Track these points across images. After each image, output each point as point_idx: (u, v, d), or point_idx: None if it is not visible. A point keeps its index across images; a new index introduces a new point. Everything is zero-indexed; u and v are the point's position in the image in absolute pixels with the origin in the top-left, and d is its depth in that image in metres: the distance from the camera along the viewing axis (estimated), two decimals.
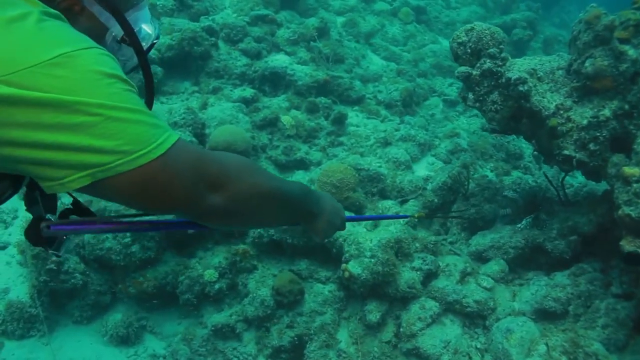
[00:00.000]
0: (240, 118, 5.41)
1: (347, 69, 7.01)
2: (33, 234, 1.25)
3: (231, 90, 5.95)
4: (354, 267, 4.23)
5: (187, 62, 6.14)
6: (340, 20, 8.34)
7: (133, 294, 4.78)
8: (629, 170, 3.65)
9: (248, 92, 5.91)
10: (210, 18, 6.71)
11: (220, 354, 4.59)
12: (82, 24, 1.27)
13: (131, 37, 1.33)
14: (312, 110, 5.95)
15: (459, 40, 4.24)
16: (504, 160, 6.28)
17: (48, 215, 1.28)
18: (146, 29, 1.46)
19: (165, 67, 5.99)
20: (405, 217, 4.28)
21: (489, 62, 4.12)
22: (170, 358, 4.60)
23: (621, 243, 3.59)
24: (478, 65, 4.17)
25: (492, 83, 4.17)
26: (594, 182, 4.60)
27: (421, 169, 5.67)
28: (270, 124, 5.63)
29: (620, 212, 3.61)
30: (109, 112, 1.00)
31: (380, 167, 5.37)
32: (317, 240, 1.83)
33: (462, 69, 4.22)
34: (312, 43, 6.78)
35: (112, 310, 4.94)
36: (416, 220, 4.81)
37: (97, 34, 1.30)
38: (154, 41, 1.51)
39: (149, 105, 1.46)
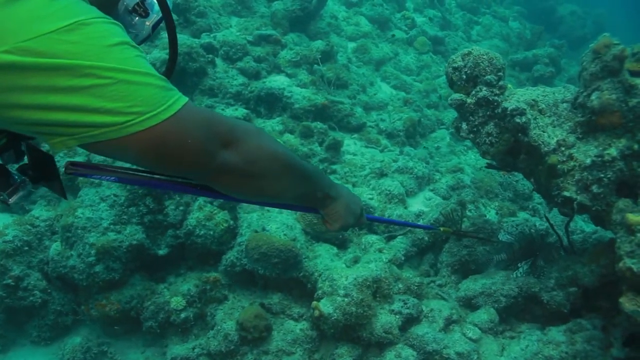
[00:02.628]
0: None
1: (351, 95, 6.69)
2: None
3: (222, 110, 5.67)
4: (325, 306, 3.85)
5: (182, 79, 5.90)
6: (351, 45, 8.08)
7: (95, 317, 4.47)
8: (633, 217, 3.23)
9: (240, 112, 5.63)
10: (211, 35, 6.49)
11: None
12: None
13: None
14: (306, 135, 5.63)
15: (455, 65, 3.90)
16: (511, 200, 5.87)
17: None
18: None
19: None
20: (431, 228, 3.93)
21: (485, 90, 3.75)
22: None
23: (620, 300, 3.17)
24: (473, 93, 3.81)
25: (488, 113, 3.80)
26: (603, 229, 4.17)
27: (416, 204, 5.28)
28: None
29: (621, 264, 3.19)
30: (120, 75, 1.03)
31: (371, 199, 5.01)
32: (336, 227, 1.80)
33: (456, 96, 3.86)
34: (315, 66, 6.50)
35: (74, 333, 4.65)
36: (441, 233, 4.37)
37: (109, 5, 1.36)
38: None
39: (172, 64, 1.52)
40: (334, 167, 5.51)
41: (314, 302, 3.90)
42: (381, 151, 6.03)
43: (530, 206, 5.89)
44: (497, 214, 5.46)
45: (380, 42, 8.50)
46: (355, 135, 6.21)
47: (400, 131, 6.32)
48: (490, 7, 11.90)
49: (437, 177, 5.80)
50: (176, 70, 5.30)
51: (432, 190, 5.53)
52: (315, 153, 5.55)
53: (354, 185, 5.24)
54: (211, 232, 4.49)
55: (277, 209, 4.90)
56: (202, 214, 4.54)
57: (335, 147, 5.55)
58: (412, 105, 7.00)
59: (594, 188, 3.51)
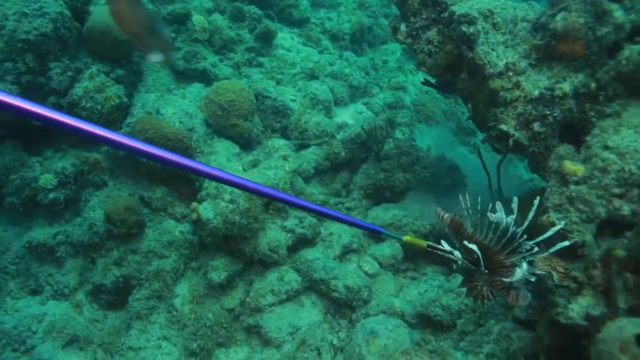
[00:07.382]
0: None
1: None
2: None
3: None
4: (205, 210, 3.30)
5: None
6: None
7: None
8: (571, 166, 2.72)
9: None
10: None
11: (32, 277, 3.68)
12: None
13: None
14: (236, 17, 4.89)
15: None
16: (452, 132, 5.34)
17: None
18: None
19: None
20: (380, 231, 3.29)
21: None
22: None
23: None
24: None
25: (433, 16, 3.16)
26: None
27: (344, 115, 4.69)
28: (178, 21, 4.58)
29: (545, 217, 2.70)
30: None
31: (293, 100, 4.39)
32: None
33: None
34: None
35: None
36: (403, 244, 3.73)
37: None
38: None
39: None
40: (261, 59, 4.83)
41: (194, 204, 3.35)
42: (320, 52, 5.35)
43: (472, 142, 5.40)
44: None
45: None
46: (295, 30, 5.49)
47: (346, 34, 5.62)
48: None
49: (375, 91, 5.19)
50: None
51: (365, 104, 4.94)
52: (243, 40, 4.84)
53: (278, 83, 4.59)
54: (99, 107, 3.83)
55: (180, 92, 4.25)
56: (92, 83, 3.86)
57: (266, 38, 4.84)
58: (367, 10, 6.26)
59: (536, 126, 2.98)
